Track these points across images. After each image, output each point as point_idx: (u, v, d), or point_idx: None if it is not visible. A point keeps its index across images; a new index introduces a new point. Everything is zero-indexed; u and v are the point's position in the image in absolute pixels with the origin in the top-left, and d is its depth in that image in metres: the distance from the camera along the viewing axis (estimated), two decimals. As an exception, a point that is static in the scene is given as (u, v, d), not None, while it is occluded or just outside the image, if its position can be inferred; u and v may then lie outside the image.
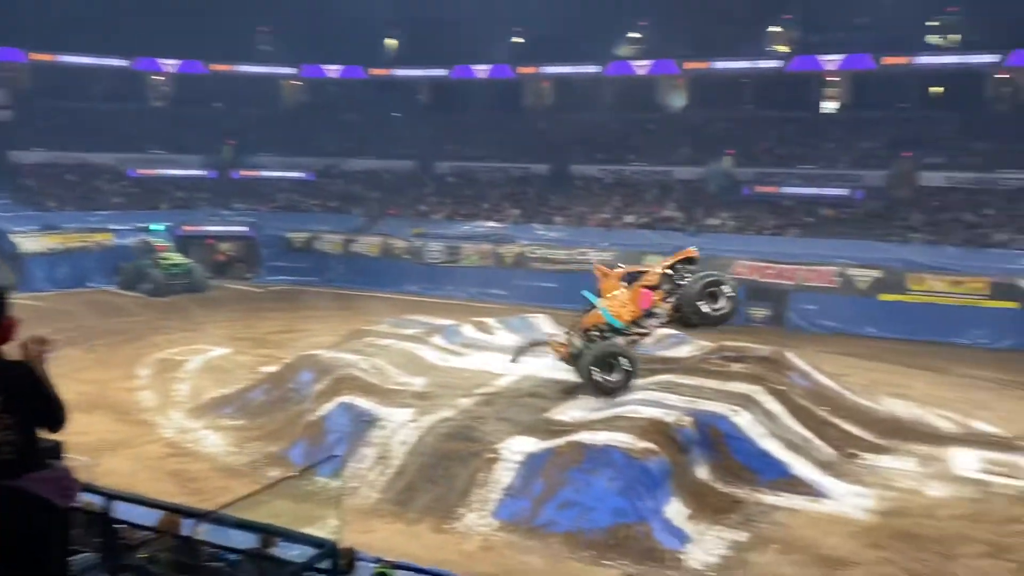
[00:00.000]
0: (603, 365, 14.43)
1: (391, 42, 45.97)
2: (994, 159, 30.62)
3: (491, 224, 32.82)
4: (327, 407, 14.25)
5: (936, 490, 13.15)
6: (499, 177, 36.80)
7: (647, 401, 14.08)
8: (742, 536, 11.25)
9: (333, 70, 44.66)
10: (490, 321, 21.43)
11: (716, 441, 13.27)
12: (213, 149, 39.41)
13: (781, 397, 15.32)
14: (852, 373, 20.28)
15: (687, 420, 13.14)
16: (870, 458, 14.39)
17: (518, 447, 12.51)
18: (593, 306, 15.07)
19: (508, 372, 16.74)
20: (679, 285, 14.98)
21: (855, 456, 14.38)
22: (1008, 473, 13.96)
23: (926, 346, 23.99)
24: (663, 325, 15.53)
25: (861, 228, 28.97)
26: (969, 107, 33.91)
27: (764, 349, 18.60)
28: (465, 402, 14.55)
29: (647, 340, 15.95)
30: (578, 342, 14.93)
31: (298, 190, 38.13)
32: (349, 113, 43.11)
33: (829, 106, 37.44)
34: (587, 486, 11.37)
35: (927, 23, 36.57)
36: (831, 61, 35.29)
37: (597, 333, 14.88)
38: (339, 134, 41.28)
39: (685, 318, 15.10)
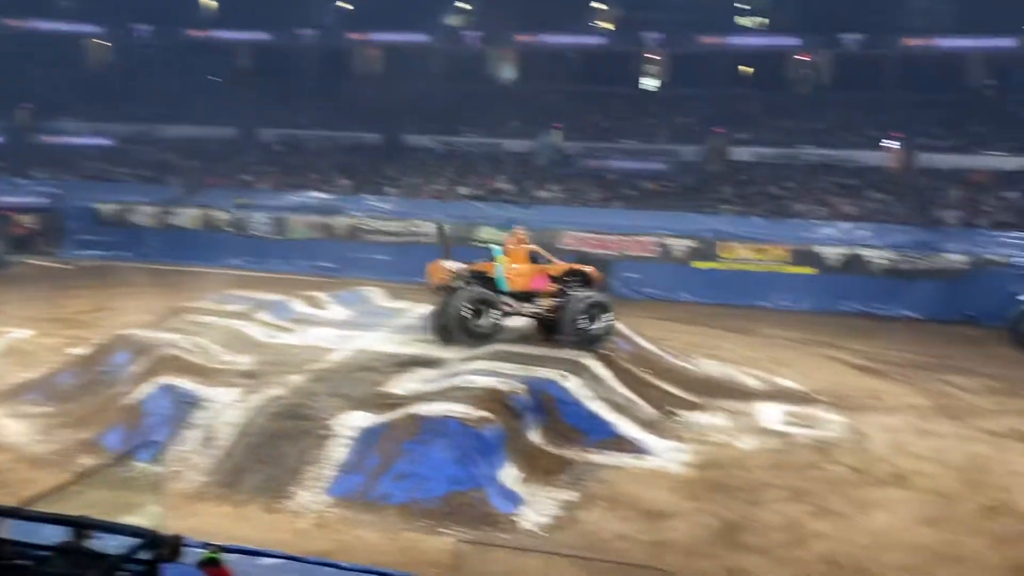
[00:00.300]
0: (477, 308, 14.83)
1: (209, 2, 43.42)
2: (795, 136, 33.18)
3: (321, 195, 31.95)
4: (145, 389, 13.46)
5: (745, 443, 14.26)
6: (328, 146, 35.80)
7: (482, 371, 14.29)
8: (572, 495, 11.73)
9: (144, 30, 41.66)
10: (321, 295, 20.95)
11: (547, 406, 13.72)
12: (6, 113, 35.85)
13: (607, 361, 16.01)
14: (671, 337, 21.50)
15: (521, 387, 13.46)
16: (687, 415, 15.38)
17: (352, 422, 12.37)
18: (492, 259, 15.39)
19: (340, 347, 16.50)
20: (566, 292, 15.57)
21: (674, 414, 15.31)
22: (807, 424, 15.35)
23: (736, 309, 25.83)
24: (531, 316, 15.86)
25: (678, 200, 30.62)
26: (773, 87, 36.46)
27: (591, 316, 19.38)
28: (296, 379, 14.20)
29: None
30: (460, 281, 15.15)
31: (106, 158, 35.40)
32: (162, 77, 40.36)
33: (649, 83, 39.08)
34: (423, 457, 11.44)
35: (737, 5, 38.85)
36: (651, 39, 36.77)
37: (478, 282, 15.14)
38: (152, 99, 38.59)
39: (559, 325, 15.50)
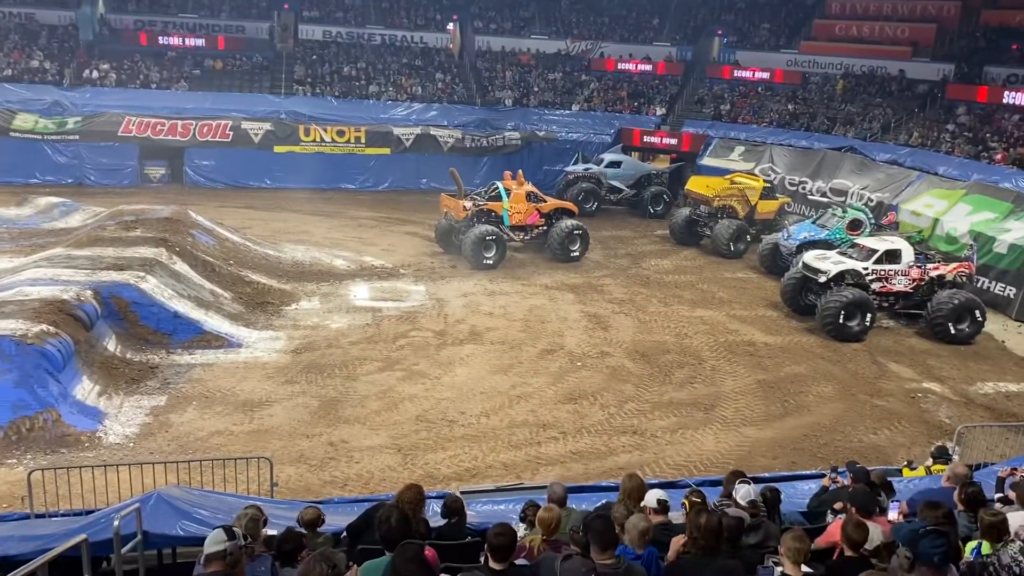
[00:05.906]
0: (487, 242, 18.53)
1: None
2: (363, 15, 33.23)
3: None
4: None
5: (338, 322, 14.69)
6: None
7: (38, 280, 12.68)
8: (160, 400, 11.16)
9: None
10: None
11: (122, 311, 12.69)
12: None
13: (187, 256, 15.18)
14: (254, 225, 20.95)
15: (88, 294, 12.21)
16: (279, 303, 15.31)
17: None
18: (498, 194, 19.80)
19: None
20: (553, 223, 20.01)
21: (265, 303, 15.14)
22: (392, 297, 16.27)
23: (320, 193, 25.84)
24: (520, 240, 20.08)
25: (249, 80, 29.18)
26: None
27: (165, 210, 18.02)
28: None
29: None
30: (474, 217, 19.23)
31: None
32: None
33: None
34: (-26, 385, 9.89)
35: None
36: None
37: (485, 216, 19.32)
38: None
39: (547, 246, 19.88)
